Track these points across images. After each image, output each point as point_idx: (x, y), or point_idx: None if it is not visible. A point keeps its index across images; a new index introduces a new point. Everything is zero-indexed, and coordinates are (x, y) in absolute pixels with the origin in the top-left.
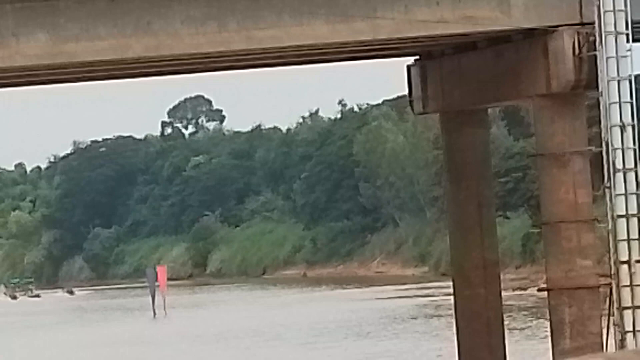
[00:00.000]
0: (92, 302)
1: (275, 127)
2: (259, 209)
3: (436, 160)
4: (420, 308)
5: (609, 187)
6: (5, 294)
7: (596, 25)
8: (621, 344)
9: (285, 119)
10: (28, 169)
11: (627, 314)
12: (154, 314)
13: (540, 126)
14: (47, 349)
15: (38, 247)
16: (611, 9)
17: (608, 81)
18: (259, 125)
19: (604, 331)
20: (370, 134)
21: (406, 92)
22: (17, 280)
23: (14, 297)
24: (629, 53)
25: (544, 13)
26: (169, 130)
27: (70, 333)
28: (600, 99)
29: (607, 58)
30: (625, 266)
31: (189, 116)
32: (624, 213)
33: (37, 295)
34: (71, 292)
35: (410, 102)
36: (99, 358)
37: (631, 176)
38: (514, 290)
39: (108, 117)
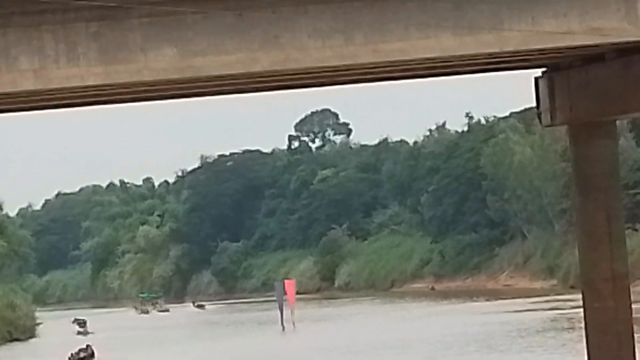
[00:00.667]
0: (221, 316)
1: (402, 140)
2: (386, 222)
3: (564, 173)
4: (549, 321)
5: None
6: (136, 308)
7: None
8: None
9: (411, 132)
10: (156, 183)
11: None
12: (283, 327)
13: None
14: None
15: (166, 261)
16: None
17: None
18: (386, 139)
19: None
20: (497, 146)
21: (533, 104)
22: (146, 294)
23: (146, 312)
24: None
25: None
26: (296, 144)
27: (200, 347)
28: None
29: None
30: None
31: (316, 130)
32: None
33: (166, 310)
34: (202, 307)
35: (538, 114)
36: None
37: None
38: None
39: (235, 131)
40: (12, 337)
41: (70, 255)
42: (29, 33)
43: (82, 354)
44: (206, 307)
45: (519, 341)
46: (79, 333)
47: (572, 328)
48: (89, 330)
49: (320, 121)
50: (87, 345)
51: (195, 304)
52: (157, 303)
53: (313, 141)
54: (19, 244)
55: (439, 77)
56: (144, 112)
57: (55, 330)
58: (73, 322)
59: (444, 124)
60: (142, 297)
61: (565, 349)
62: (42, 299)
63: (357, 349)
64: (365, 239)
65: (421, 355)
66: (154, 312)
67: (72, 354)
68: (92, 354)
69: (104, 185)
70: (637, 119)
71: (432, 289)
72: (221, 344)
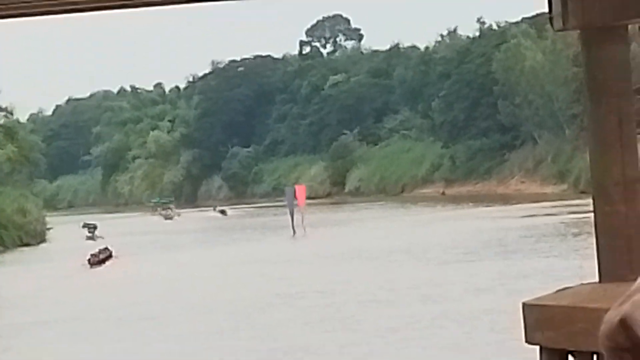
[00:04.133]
0: (234, 221)
1: (413, 46)
2: (397, 127)
3: (575, 78)
4: (560, 225)
5: None
6: (160, 213)
7: None
8: None
9: (423, 37)
10: (167, 89)
11: None
12: (294, 232)
13: None
14: (182, 267)
15: (177, 166)
16: None
17: None
18: (397, 44)
19: None
20: (509, 51)
21: (545, 9)
22: (157, 199)
23: (170, 217)
24: None
25: None
26: (307, 49)
27: (215, 251)
28: None
29: None
30: None
31: (327, 35)
32: None
33: (178, 214)
34: (224, 212)
35: (550, 19)
36: (234, 276)
37: None
38: None
39: (246, 37)
40: (23, 242)
41: (80, 161)
42: None
43: (101, 256)
44: (228, 212)
45: (532, 246)
46: (88, 238)
47: (581, 233)
48: (99, 235)
49: (332, 26)
50: (106, 247)
51: (218, 209)
52: (169, 208)
53: (324, 46)
54: (29, 149)
55: None
56: (153, 17)
57: (66, 235)
58: (83, 227)
59: (455, 29)
60: (154, 203)
61: (577, 254)
62: (52, 204)
63: (368, 255)
64: (376, 144)
65: (435, 260)
66: (168, 217)
67: (91, 254)
68: (110, 255)
69: (115, 90)
70: None
71: (443, 193)
72: (233, 248)
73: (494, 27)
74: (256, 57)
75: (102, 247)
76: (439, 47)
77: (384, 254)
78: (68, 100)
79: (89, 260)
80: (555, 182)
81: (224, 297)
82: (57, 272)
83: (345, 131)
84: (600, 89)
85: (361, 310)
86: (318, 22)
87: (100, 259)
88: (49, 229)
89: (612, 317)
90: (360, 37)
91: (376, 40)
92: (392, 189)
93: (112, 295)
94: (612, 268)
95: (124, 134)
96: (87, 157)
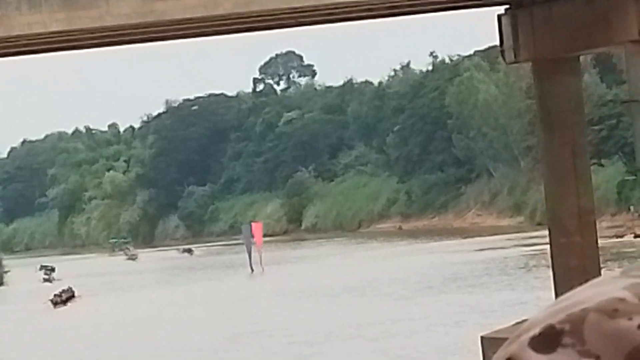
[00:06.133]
0: (193, 260)
1: (366, 81)
2: (352, 163)
3: (529, 110)
4: (517, 258)
5: None
6: (125, 253)
7: None
8: None
9: (376, 72)
10: (121, 128)
11: None
12: (251, 270)
13: (632, 72)
14: (143, 307)
15: (133, 206)
16: None
17: None
18: (351, 79)
19: None
20: (462, 85)
21: (497, 42)
22: (115, 240)
23: (134, 258)
24: None
25: None
26: (260, 86)
27: (173, 291)
28: None
29: None
30: None
31: (281, 72)
32: None
33: (135, 255)
34: (190, 251)
35: (502, 51)
36: (196, 315)
37: None
38: (610, 237)
39: (200, 75)
40: None
41: (37, 203)
42: None
43: (64, 295)
44: (195, 252)
45: (490, 279)
46: (45, 280)
47: (538, 265)
48: (56, 277)
49: (285, 63)
50: (69, 287)
51: (183, 250)
52: (126, 248)
53: (278, 83)
54: None
55: (402, 17)
56: (107, 57)
57: (23, 277)
58: (40, 269)
59: (408, 64)
60: (112, 243)
61: (534, 286)
62: (9, 247)
63: (326, 292)
64: (332, 180)
65: (395, 295)
66: (123, 258)
67: (55, 295)
68: (73, 295)
69: (70, 131)
70: (601, 55)
71: (400, 228)
72: (193, 288)
73: (447, 60)
74: (210, 95)
75: (65, 287)
76: (393, 82)
77: (343, 290)
78: (23, 142)
79: (52, 300)
80: (511, 215)
81: (188, 336)
82: (19, 314)
83: (300, 168)
84: (554, 121)
85: (323, 346)
86: (271, 59)
87: (63, 299)
88: (6, 272)
89: (500, 357)
90: (313, 73)
91: (329, 76)
92: (349, 225)
93: (77, 335)
94: None
95: (80, 175)
96: (43, 199)
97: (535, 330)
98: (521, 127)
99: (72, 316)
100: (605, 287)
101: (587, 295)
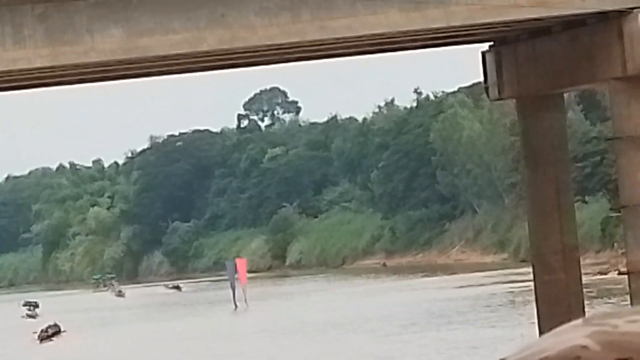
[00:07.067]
0: (178, 296)
1: (351, 117)
2: (336, 199)
3: (513, 147)
4: (501, 295)
5: None
6: (112, 290)
7: None
8: None
9: (361, 108)
10: (106, 165)
11: None
12: (235, 306)
13: (616, 109)
14: (128, 343)
15: (117, 242)
16: None
17: None
18: (335, 116)
19: None
20: (446, 121)
21: (481, 78)
22: (99, 276)
23: (121, 295)
24: None
25: None
26: (245, 122)
27: (158, 328)
28: None
29: None
30: None
31: (265, 108)
32: None
33: (121, 291)
34: (178, 288)
35: (486, 88)
36: (180, 352)
37: None
38: (594, 274)
39: (184, 111)
40: None
41: (21, 238)
42: None
43: (50, 331)
44: (183, 288)
45: (474, 316)
46: (29, 316)
47: (522, 302)
48: (38, 313)
49: (269, 99)
50: (55, 323)
51: (171, 286)
52: (112, 285)
53: (262, 120)
54: None
55: (386, 53)
56: (92, 93)
57: (7, 313)
58: (24, 305)
59: (392, 100)
60: (96, 279)
61: (518, 323)
62: None
63: (311, 328)
64: (316, 217)
65: (379, 332)
66: (109, 294)
67: (41, 330)
68: (59, 330)
69: (54, 167)
70: (585, 92)
71: (384, 265)
72: (174, 324)
73: (431, 97)
74: (194, 131)
75: (51, 323)
76: (377, 118)
77: (327, 326)
78: (7, 177)
79: (38, 335)
80: (495, 251)
81: None
82: (3, 350)
83: (284, 204)
84: (538, 158)
85: None
86: (255, 95)
87: (49, 334)
88: None
89: None
90: (298, 110)
91: (314, 112)
92: (333, 261)
93: None
94: None
95: (64, 211)
96: (27, 235)
97: None
98: (505, 164)
99: (58, 351)
100: (568, 335)
101: (548, 344)
